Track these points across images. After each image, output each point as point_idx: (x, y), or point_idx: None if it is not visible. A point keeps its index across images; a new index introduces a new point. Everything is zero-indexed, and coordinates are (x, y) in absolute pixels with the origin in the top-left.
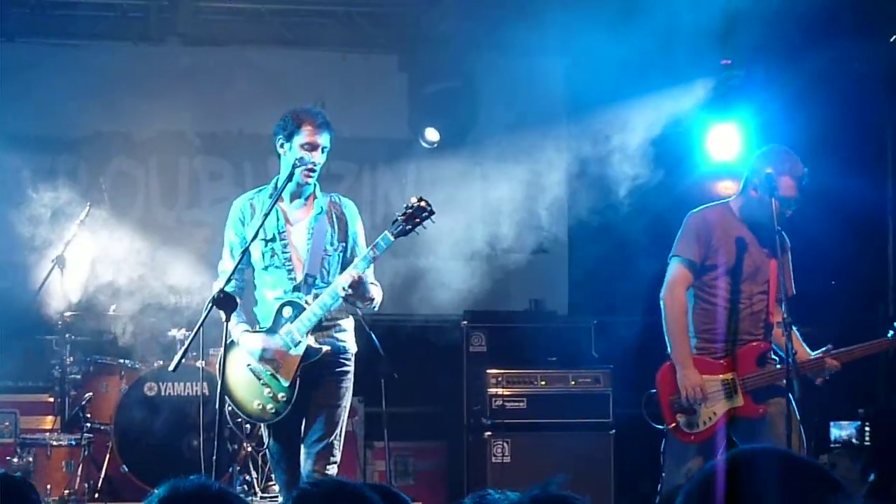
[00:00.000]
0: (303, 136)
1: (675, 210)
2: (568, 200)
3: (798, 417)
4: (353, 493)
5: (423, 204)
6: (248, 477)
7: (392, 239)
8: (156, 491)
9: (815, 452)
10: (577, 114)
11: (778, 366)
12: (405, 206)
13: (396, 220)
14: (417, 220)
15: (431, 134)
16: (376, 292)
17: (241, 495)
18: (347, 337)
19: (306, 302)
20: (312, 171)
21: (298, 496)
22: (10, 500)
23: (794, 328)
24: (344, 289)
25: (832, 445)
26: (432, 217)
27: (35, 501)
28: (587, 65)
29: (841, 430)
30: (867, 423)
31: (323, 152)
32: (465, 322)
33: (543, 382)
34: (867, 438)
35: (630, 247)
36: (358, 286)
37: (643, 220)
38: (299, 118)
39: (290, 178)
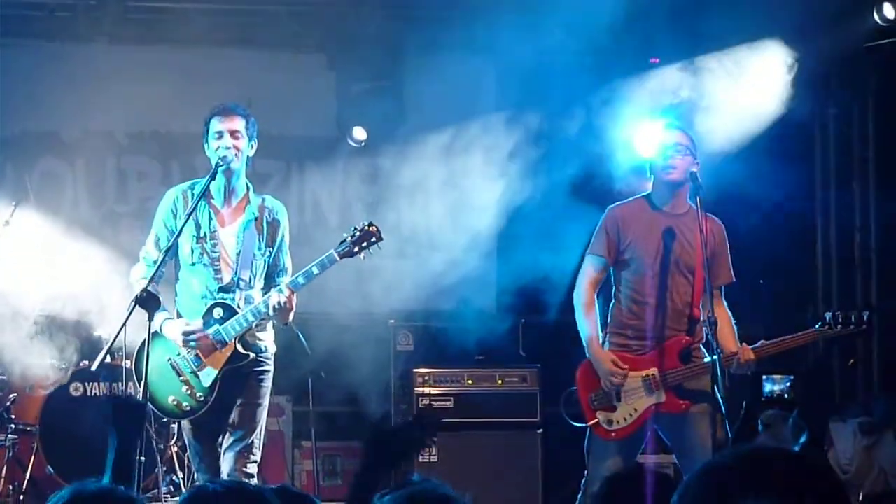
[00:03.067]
0: (211, 128)
1: (603, 207)
2: (497, 199)
3: (723, 412)
4: (249, 494)
5: (373, 229)
6: (174, 477)
7: (337, 259)
8: (59, 493)
9: (749, 408)
10: (508, 112)
11: (706, 360)
12: (354, 227)
13: (344, 240)
14: (365, 244)
15: (359, 133)
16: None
17: (167, 496)
18: (268, 337)
19: (238, 306)
20: (231, 153)
21: (192, 495)
22: None
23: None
24: (275, 307)
25: (763, 399)
26: (379, 244)
27: None
28: (517, 63)
29: (774, 385)
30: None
31: (238, 137)
32: (392, 321)
33: (470, 381)
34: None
35: (559, 245)
36: (289, 307)
37: (572, 217)
38: (208, 115)
39: (212, 177)
